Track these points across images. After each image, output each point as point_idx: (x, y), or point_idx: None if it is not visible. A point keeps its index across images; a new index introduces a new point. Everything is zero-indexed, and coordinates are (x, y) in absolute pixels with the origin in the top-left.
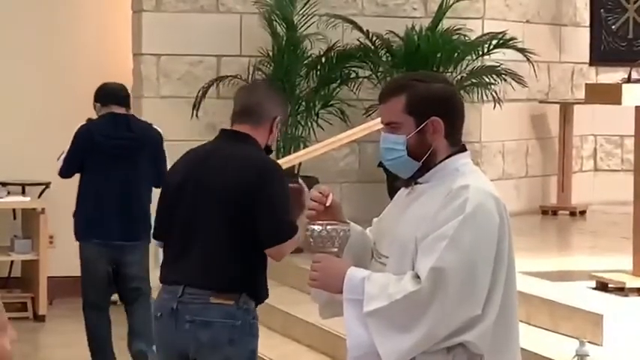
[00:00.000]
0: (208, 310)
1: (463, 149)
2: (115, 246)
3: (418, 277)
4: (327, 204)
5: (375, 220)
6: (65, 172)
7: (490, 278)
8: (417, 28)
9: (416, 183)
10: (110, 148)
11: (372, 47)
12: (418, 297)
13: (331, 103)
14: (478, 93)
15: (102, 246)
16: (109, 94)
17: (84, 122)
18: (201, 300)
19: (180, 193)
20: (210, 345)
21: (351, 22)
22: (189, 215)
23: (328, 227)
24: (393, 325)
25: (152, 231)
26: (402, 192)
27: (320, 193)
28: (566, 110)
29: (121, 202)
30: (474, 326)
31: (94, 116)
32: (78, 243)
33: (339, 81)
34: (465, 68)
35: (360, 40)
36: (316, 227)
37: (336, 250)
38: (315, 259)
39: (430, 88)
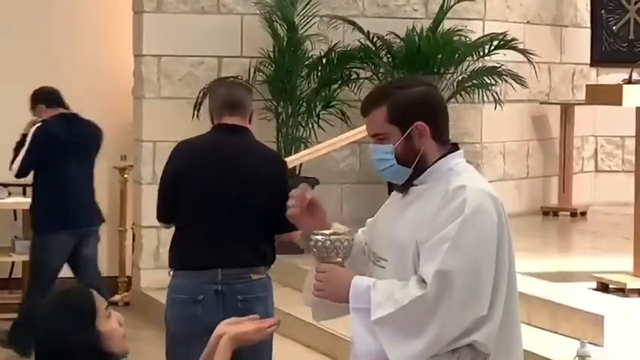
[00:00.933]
0: (254, 286)
1: (455, 148)
2: (77, 233)
3: (423, 281)
4: (308, 196)
5: (368, 221)
6: (25, 171)
7: (493, 277)
8: (418, 29)
9: (411, 185)
10: (68, 145)
11: (373, 48)
12: (425, 301)
13: (332, 104)
14: (479, 94)
15: (67, 235)
16: (55, 97)
17: (37, 124)
18: (244, 279)
19: (196, 183)
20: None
21: (352, 23)
22: (219, 203)
23: (332, 237)
24: (401, 331)
25: (159, 213)
26: (397, 193)
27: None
28: (566, 111)
29: (80, 193)
30: (481, 327)
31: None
32: (35, 235)
33: (339, 82)
34: (466, 69)
35: (361, 41)
36: (320, 238)
37: (340, 260)
38: (320, 269)
39: (409, 94)
